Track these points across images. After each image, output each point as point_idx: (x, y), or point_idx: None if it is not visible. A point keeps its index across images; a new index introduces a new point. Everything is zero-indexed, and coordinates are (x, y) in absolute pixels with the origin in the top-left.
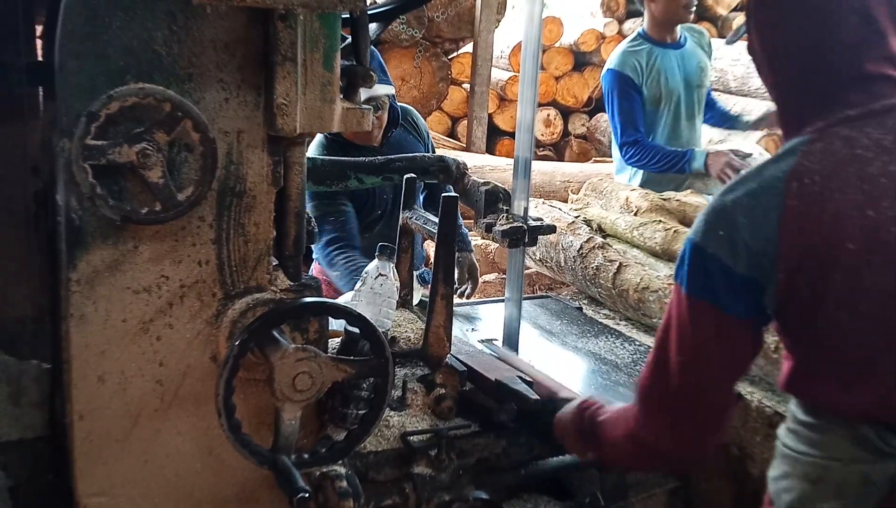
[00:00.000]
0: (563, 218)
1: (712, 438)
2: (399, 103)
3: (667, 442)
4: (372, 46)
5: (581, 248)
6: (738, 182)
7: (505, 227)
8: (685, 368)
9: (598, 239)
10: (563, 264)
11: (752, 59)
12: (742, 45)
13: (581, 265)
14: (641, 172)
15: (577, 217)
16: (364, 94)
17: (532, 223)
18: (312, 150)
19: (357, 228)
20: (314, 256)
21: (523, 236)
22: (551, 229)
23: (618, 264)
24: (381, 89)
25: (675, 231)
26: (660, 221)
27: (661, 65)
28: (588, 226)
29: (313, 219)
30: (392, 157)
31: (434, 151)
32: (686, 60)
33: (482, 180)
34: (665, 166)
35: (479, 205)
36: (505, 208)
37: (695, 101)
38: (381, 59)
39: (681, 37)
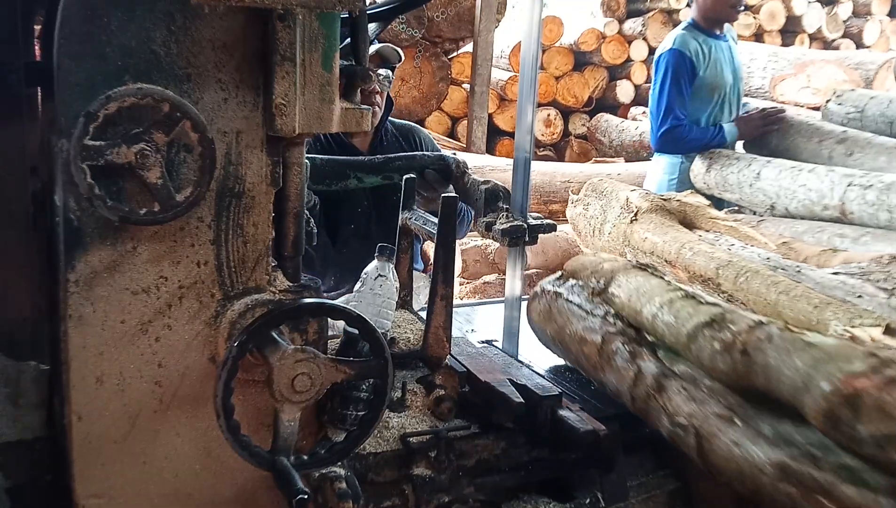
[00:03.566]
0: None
1: None
2: (402, 121)
3: None
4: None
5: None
6: None
7: (505, 226)
8: None
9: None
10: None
11: None
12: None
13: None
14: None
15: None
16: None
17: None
18: None
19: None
20: None
21: (523, 234)
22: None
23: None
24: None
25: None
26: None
27: (716, 55)
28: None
29: (311, 219)
30: (391, 155)
31: None
32: (733, 54)
33: (482, 179)
34: (702, 146)
35: (479, 204)
36: (505, 206)
37: (739, 94)
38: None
39: (725, 30)
